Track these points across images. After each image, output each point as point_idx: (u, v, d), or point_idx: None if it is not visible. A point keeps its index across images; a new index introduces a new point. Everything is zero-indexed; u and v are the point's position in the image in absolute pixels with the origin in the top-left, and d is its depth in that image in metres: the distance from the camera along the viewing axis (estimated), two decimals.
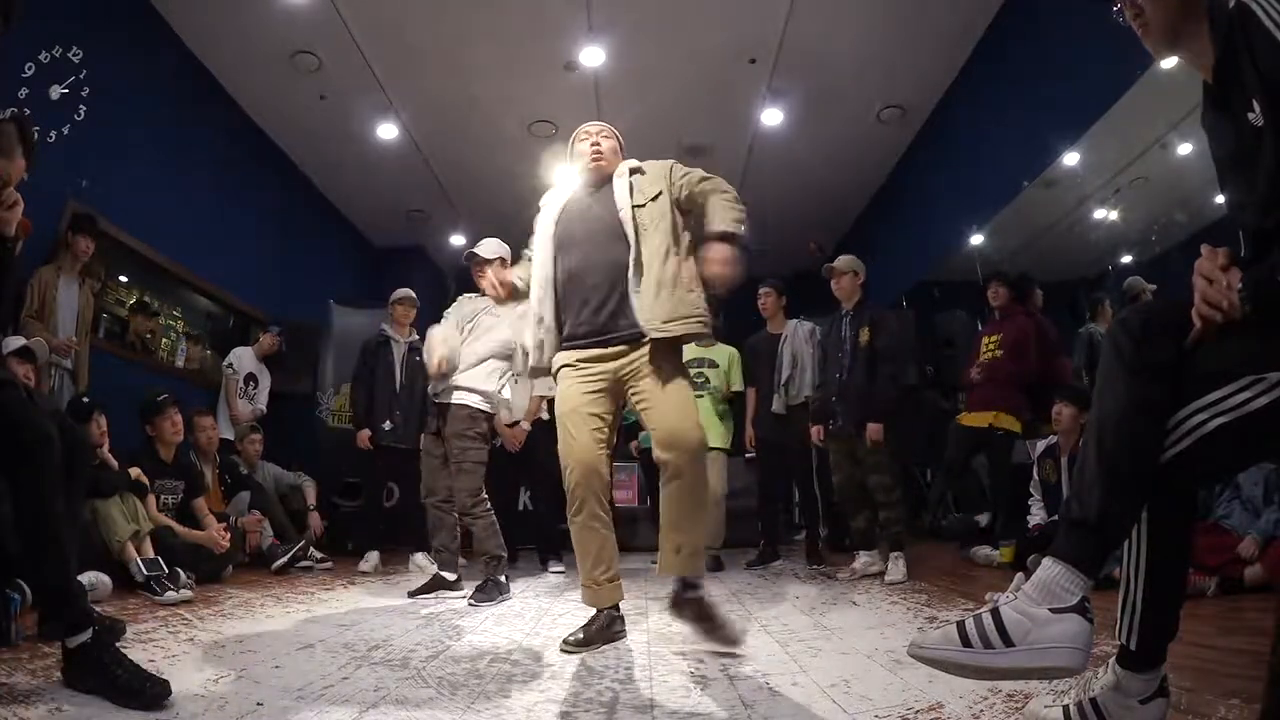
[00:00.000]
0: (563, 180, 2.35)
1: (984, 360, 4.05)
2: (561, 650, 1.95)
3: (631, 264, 2.05)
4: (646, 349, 2.04)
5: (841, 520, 4.33)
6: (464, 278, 3.43)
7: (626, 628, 2.16)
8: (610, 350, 2.08)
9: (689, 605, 1.97)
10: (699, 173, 2.17)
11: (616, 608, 2.13)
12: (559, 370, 2.17)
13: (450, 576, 3.12)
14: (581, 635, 2.00)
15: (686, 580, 1.98)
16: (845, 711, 1.40)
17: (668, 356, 2.06)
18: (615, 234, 2.10)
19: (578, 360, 2.12)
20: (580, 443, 2.06)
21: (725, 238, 1.96)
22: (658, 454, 2.00)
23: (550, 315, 2.18)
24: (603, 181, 2.23)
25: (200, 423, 3.93)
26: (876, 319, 3.62)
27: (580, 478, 2.05)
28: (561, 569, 4.22)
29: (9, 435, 1.49)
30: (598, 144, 2.22)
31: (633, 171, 2.20)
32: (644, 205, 2.11)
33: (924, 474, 5.86)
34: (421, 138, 5.80)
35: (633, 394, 2.08)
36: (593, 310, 2.10)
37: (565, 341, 2.17)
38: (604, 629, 2.05)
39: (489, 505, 3.07)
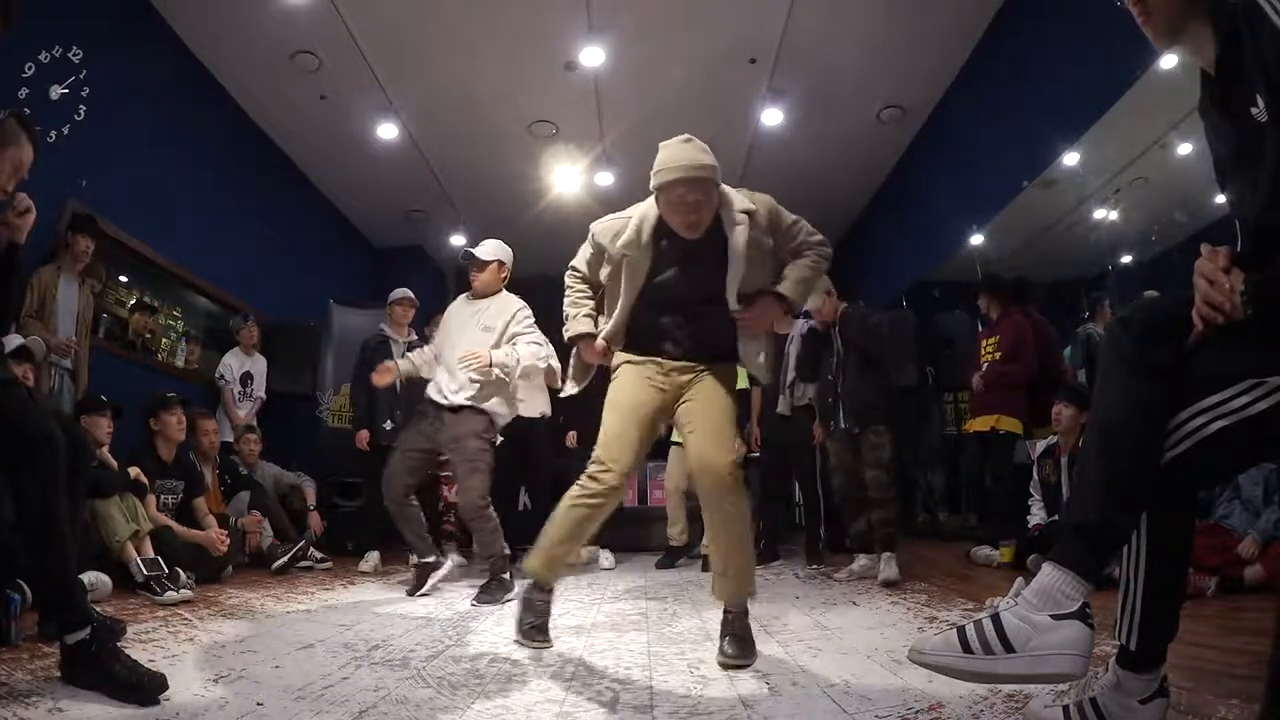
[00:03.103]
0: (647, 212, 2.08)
1: (984, 364, 4.06)
2: (518, 642, 2.02)
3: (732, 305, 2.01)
4: (714, 369, 2.04)
5: (841, 521, 4.33)
6: (464, 278, 3.41)
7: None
8: (681, 364, 2.06)
9: (724, 626, 1.96)
10: (805, 229, 2.06)
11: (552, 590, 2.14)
12: (621, 365, 2.12)
13: (431, 559, 3.11)
14: (536, 622, 2.04)
15: (726, 606, 1.98)
16: (845, 711, 1.40)
17: (728, 380, 2.06)
18: (714, 278, 1.99)
19: (647, 361, 2.07)
20: (631, 444, 2.02)
21: (782, 300, 1.98)
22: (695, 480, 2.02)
23: (620, 335, 2.11)
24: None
25: (203, 425, 3.93)
26: (856, 328, 3.62)
27: (617, 483, 2.00)
28: None
29: (13, 435, 1.50)
30: (698, 220, 1.93)
31: (748, 214, 1.97)
32: (754, 256, 1.98)
33: (924, 474, 5.87)
34: (421, 138, 5.79)
35: (682, 411, 2.06)
36: (675, 335, 2.07)
37: (635, 349, 2.11)
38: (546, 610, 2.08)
39: (492, 506, 3.08)
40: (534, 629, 2.04)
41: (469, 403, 3.02)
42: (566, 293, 2.23)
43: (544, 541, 2.05)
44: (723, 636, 1.92)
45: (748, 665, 1.82)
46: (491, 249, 3.21)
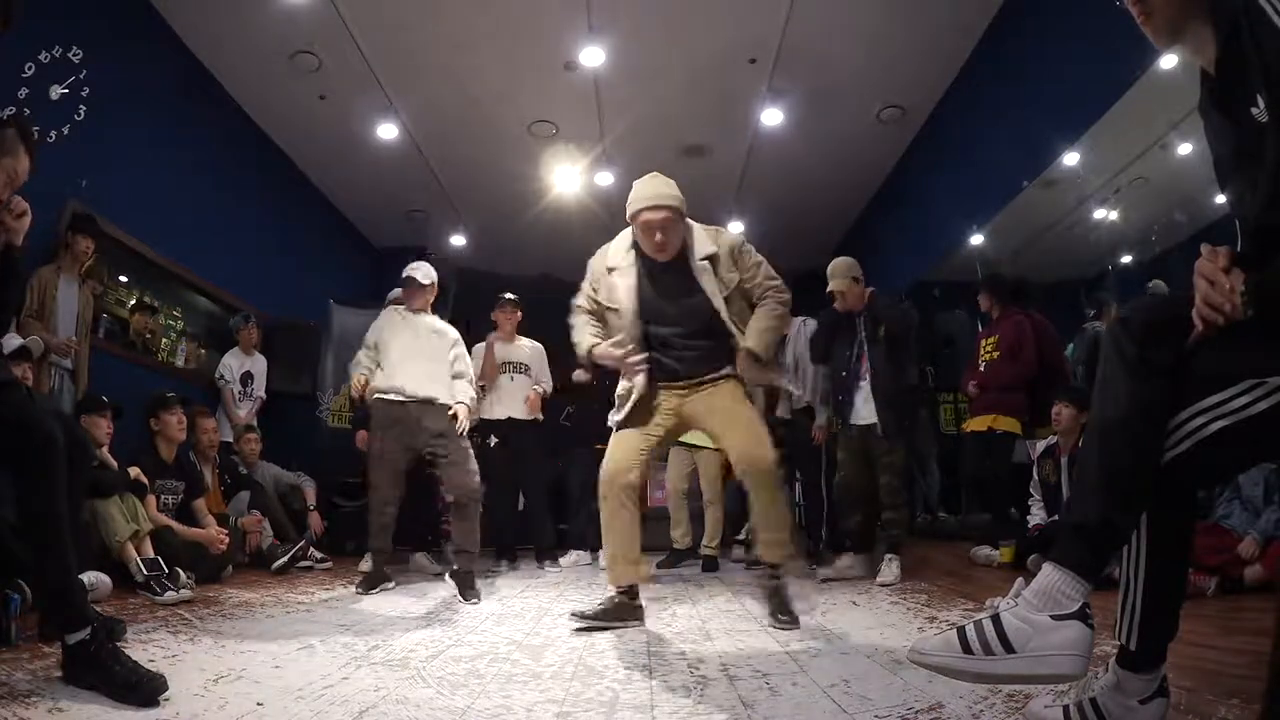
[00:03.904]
0: (624, 244, 2.44)
1: (983, 363, 4.05)
2: (572, 619, 2.24)
3: (733, 339, 2.34)
4: (722, 384, 2.36)
5: (841, 522, 4.33)
6: (463, 279, 3.45)
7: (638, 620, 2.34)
8: (684, 383, 2.38)
9: (772, 589, 2.33)
10: (764, 273, 2.39)
11: (634, 592, 2.36)
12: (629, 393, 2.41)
13: (388, 571, 3.27)
14: (591, 610, 2.26)
15: (774, 567, 2.34)
16: (845, 711, 1.40)
17: (735, 390, 2.37)
18: (703, 310, 2.32)
19: (655, 392, 2.39)
20: (618, 458, 2.33)
21: (753, 356, 2.28)
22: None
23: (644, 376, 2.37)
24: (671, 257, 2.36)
25: (203, 424, 3.93)
26: (888, 312, 3.61)
27: (610, 481, 2.32)
28: (559, 569, 4.23)
29: (16, 437, 1.50)
30: (664, 241, 2.28)
31: (710, 259, 2.33)
32: (728, 294, 2.34)
33: (923, 473, 5.88)
34: (421, 138, 5.79)
35: (702, 420, 2.37)
36: (682, 362, 2.38)
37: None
38: (616, 608, 2.29)
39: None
40: (616, 617, 2.28)
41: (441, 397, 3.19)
42: (574, 329, 2.49)
43: (605, 552, 2.39)
44: (773, 601, 2.31)
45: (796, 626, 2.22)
46: (430, 272, 3.41)
